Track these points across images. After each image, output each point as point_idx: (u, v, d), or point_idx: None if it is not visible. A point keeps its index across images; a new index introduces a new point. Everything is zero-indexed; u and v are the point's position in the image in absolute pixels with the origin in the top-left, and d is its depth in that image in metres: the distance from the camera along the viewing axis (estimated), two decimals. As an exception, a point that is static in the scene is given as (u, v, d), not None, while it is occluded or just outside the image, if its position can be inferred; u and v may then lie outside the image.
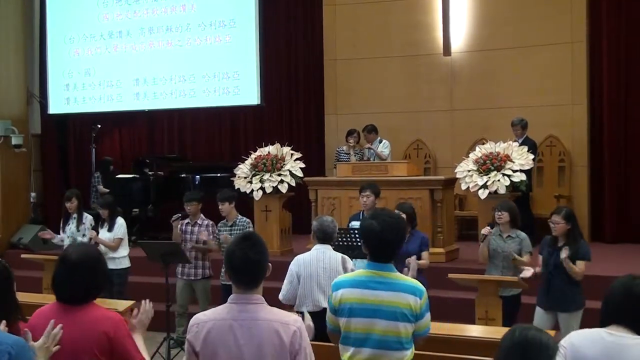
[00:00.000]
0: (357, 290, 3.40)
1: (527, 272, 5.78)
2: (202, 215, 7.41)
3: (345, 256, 5.40)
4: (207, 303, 7.17)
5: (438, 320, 5.72)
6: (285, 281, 5.28)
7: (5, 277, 3.01)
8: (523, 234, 6.12)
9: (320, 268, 5.16)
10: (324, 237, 5.29)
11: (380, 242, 3.38)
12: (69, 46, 12.07)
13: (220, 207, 7.12)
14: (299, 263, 5.25)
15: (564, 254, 5.50)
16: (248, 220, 7.29)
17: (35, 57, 12.45)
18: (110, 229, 7.46)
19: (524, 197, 8.61)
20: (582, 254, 5.62)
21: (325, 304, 5.06)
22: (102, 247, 7.32)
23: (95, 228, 7.53)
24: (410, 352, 3.40)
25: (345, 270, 5.20)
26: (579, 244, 5.63)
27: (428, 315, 3.44)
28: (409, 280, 3.45)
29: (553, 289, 5.63)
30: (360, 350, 3.38)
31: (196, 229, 7.31)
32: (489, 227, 6.10)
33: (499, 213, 6.10)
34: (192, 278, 7.30)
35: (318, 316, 4.62)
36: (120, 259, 7.41)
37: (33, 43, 12.39)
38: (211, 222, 7.38)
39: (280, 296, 5.21)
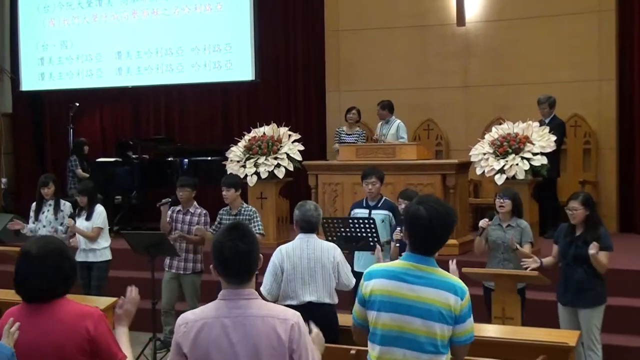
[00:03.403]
0: (390, 282, 3.32)
1: (534, 264, 5.78)
2: (195, 202, 7.34)
3: (335, 245, 5.47)
4: (197, 301, 7.12)
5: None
6: (267, 274, 5.28)
7: None
8: (524, 223, 6.14)
9: (304, 259, 5.19)
10: (309, 227, 5.33)
11: (426, 232, 3.30)
12: (43, 15, 12.03)
13: (224, 193, 7.05)
14: (282, 254, 5.28)
15: (593, 249, 5.45)
16: (254, 209, 7.20)
17: (6, 28, 12.40)
18: (88, 218, 7.44)
19: (550, 183, 8.58)
20: (605, 245, 5.58)
21: (309, 297, 5.10)
22: (80, 238, 7.35)
23: (72, 216, 7.53)
24: (445, 359, 3.31)
25: (334, 259, 5.24)
26: (599, 232, 5.62)
27: (471, 320, 3.34)
28: (451, 277, 3.35)
29: (571, 283, 5.64)
30: (389, 350, 3.31)
31: (188, 217, 7.23)
32: (486, 220, 6.11)
33: (501, 200, 6.12)
34: (181, 272, 7.21)
35: (300, 310, 4.66)
36: (101, 250, 7.42)
37: (3, 12, 12.34)
38: (205, 211, 7.30)
39: (264, 290, 5.18)
